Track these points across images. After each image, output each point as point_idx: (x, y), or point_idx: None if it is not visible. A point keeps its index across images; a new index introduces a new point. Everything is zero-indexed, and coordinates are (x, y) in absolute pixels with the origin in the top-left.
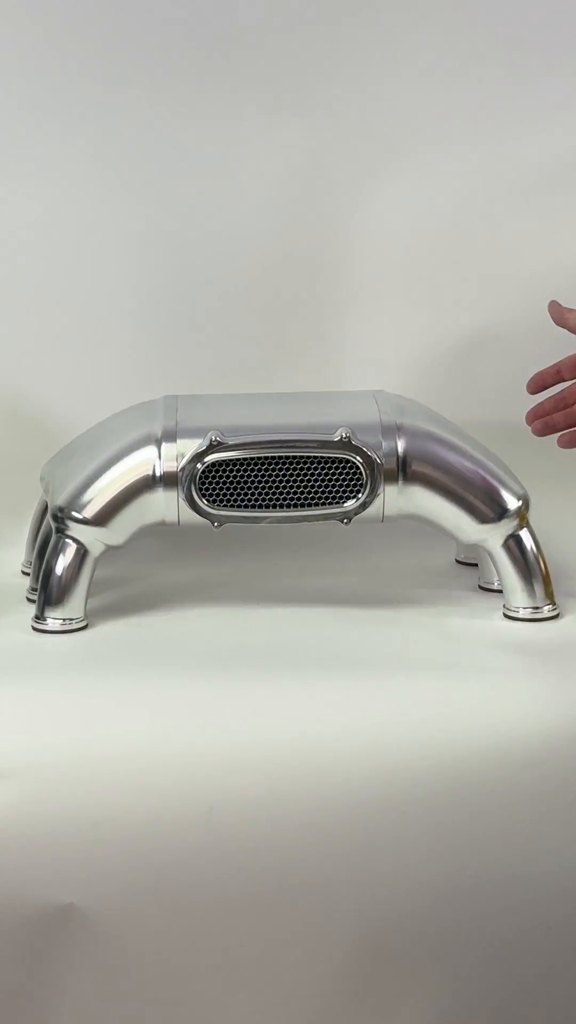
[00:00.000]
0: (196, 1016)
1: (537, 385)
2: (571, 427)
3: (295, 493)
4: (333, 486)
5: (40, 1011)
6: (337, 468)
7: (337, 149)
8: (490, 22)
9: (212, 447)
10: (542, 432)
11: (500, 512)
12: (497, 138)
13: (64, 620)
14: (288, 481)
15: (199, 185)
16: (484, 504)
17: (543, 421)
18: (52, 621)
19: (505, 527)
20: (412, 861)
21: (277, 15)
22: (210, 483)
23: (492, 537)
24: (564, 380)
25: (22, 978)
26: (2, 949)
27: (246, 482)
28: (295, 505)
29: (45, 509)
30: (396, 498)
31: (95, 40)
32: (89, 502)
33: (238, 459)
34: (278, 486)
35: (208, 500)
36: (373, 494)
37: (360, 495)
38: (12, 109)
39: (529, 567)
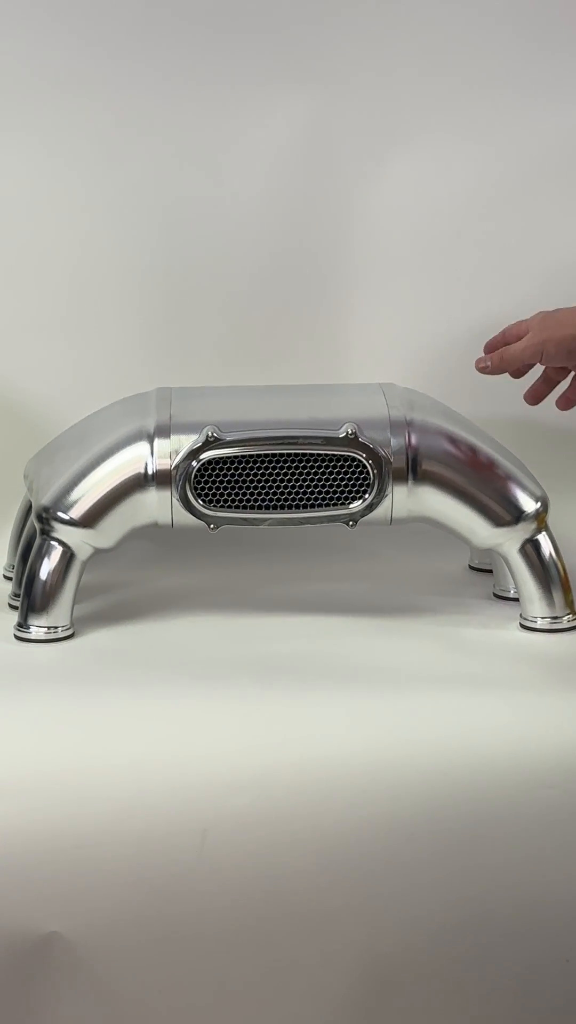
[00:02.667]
0: None
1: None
2: (503, 371)
3: (297, 493)
4: (338, 486)
5: None
6: (342, 467)
7: (343, 124)
8: None
9: (208, 443)
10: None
11: (517, 515)
12: (513, 117)
13: (49, 628)
14: (289, 480)
15: (194, 158)
16: (500, 506)
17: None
18: (36, 629)
19: (522, 531)
20: (420, 889)
21: None
22: (206, 482)
23: (508, 541)
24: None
25: (2, 1016)
26: None
27: (245, 481)
28: (297, 506)
29: (29, 509)
30: (405, 499)
31: (89, 5)
32: (76, 502)
33: (236, 456)
34: (279, 486)
35: (204, 500)
36: (381, 495)
37: (367, 496)
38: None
39: (548, 574)
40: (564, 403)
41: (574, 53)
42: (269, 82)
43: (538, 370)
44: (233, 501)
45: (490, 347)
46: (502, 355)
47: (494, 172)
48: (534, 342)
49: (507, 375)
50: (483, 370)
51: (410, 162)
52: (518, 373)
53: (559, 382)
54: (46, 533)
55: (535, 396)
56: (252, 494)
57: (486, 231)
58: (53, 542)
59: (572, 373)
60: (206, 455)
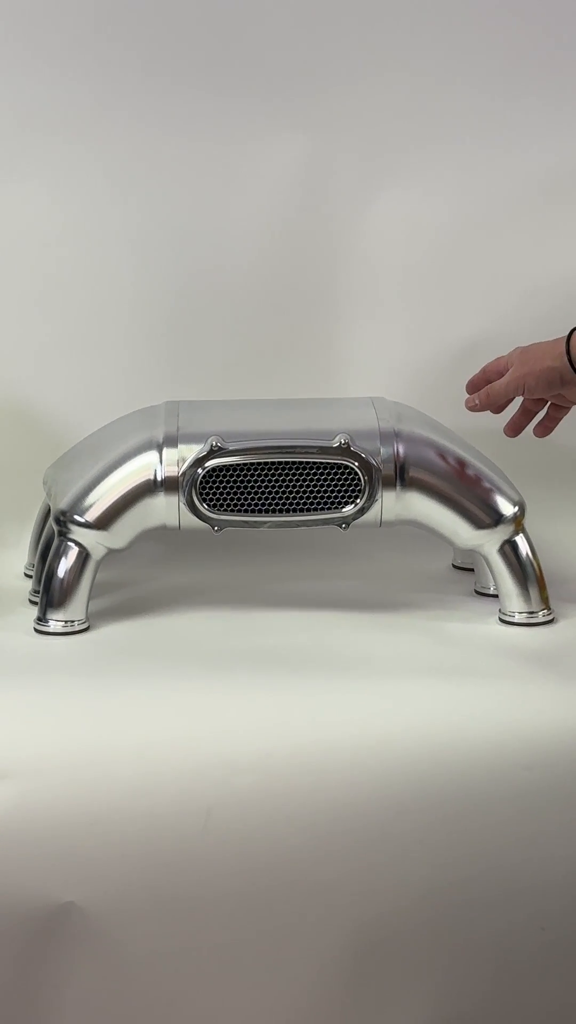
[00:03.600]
0: (195, 1013)
1: (474, 387)
2: (490, 407)
3: (294, 498)
4: (332, 491)
5: (40, 1008)
6: (336, 474)
7: (337, 158)
8: (489, 38)
9: (213, 452)
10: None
11: (496, 518)
12: (496, 150)
13: (66, 622)
14: (287, 486)
15: (201, 193)
16: (480, 510)
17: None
18: (54, 623)
19: (501, 533)
20: (408, 861)
21: (277, 29)
22: (210, 488)
23: (488, 543)
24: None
25: (22, 975)
26: (2, 947)
27: (246, 487)
28: (294, 510)
29: (48, 513)
30: (394, 503)
31: (96, 51)
32: (91, 506)
33: (238, 464)
34: (277, 491)
35: (208, 505)
36: (371, 499)
37: (358, 500)
38: (16, 120)
39: (525, 572)
40: (542, 431)
41: (548, 99)
42: (269, 123)
43: (515, 405)
44: (235, 505)
45: (472, 385)
46: (488, 392)
47: (473, 205)
48: (516, 376)
49: (489, 411)
50: (473, 408)
51: (397, 196)
52: (499, 409)
53: (536, 413)
54: (63, 535)
55: (515, 428)
56: (253, 499)
57: (466, 259)
58: (70, 543)
59: (547, 403)
60: (211, 463)
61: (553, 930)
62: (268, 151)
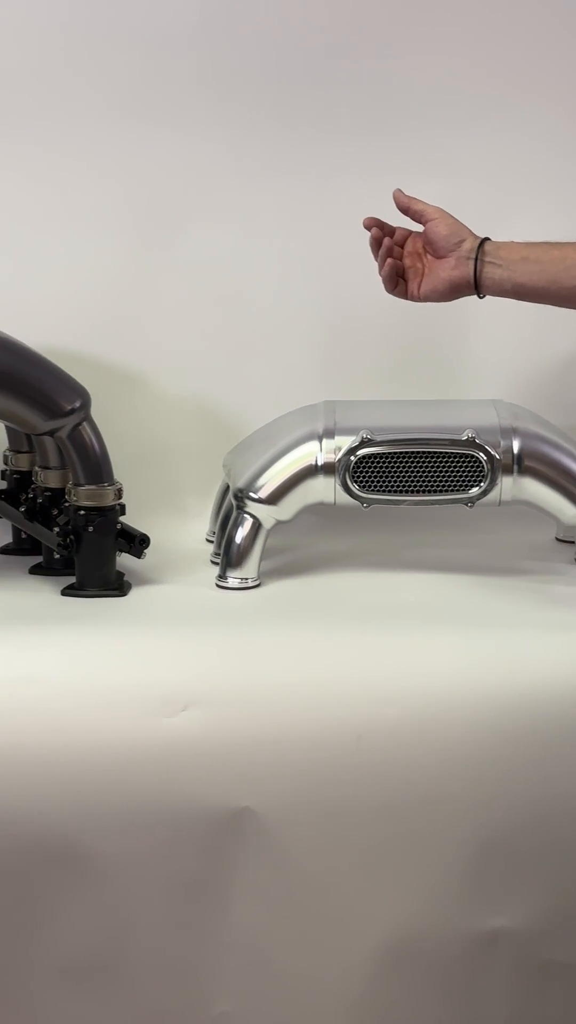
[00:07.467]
0: (343, 901)
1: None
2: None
3: (429, 482)
4: (460, 477)
5: (218, 894)
6: (463, 462)
7: (466, 193)
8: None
9: (363, 443)
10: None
11: None
12: None
13: (242, 579)
14: (424, 472)
15: (348, 228)
16: None
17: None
18: (232, 580)
19: None
20: (520, 783)
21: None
22: (361, 472)
23: None
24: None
25: (205, 866)
26: (190, 842)
27: (390, 472)
28: (429, 491)
29: (227, 490)
30: (511, 487)
31: (275, 112)
32: (263, 485)
33: (384, 453)
34: (415, 476)
35: (359, 486)
36: (492, 484)
37: (482, 484)
38: (209, 178)
39: None
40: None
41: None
42: (403, 164)
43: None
44: (381, 487)
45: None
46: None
47: None
48: (449, 219)
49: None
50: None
51: (524, 214)
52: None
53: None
54: (240, 508)
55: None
56: (395, 482)
57: None
58: (245, 515)
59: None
60: (361, 452)
61: None
62: (407, 188)
